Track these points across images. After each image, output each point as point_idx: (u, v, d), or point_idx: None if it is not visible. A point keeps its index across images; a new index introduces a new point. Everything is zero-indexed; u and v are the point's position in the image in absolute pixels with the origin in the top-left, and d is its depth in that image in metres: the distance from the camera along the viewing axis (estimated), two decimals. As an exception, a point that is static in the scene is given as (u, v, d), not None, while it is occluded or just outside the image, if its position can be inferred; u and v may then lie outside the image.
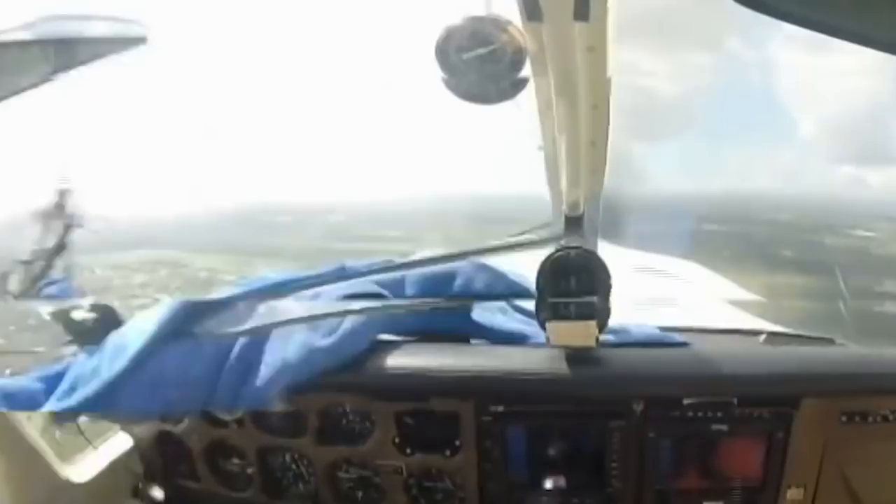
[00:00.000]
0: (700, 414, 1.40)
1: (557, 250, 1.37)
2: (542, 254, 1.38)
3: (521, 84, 0.81)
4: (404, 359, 1.51)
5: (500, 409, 1.46)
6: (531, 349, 1.50)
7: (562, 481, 1.48)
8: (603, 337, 1.45)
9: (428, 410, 1.52)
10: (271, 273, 1.78)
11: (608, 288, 1.35)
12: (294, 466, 1.70)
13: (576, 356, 1.43)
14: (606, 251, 1.53)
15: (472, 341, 1.72)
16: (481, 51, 0.78)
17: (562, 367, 1.42)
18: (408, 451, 1.55)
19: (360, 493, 1.65)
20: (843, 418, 1.38)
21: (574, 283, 1.35)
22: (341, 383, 1.51)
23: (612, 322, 1.43)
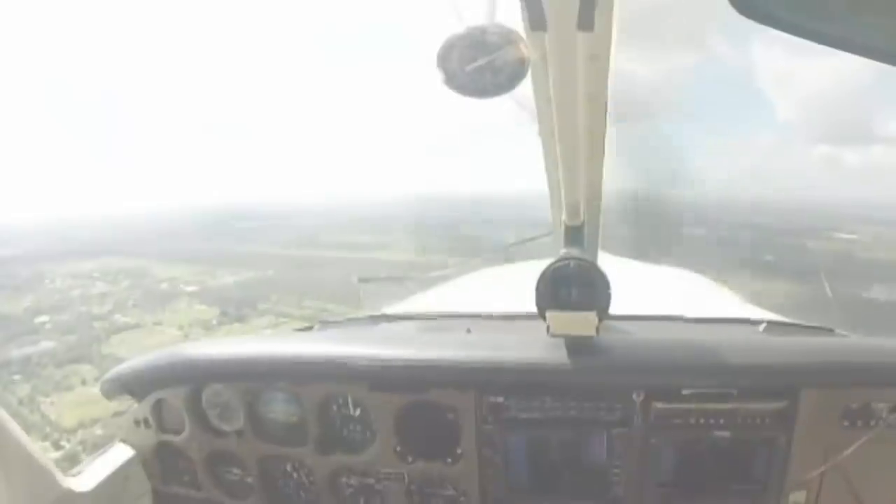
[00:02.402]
0: (701, 418, 1.37)
1: (558, 260, 1.35)
2: (541, 264, 1.36)
3: (518, 77, 0.77)
4: (403, 349, 1.48)
5: (500, 399, 1.43)
6: (530, 339, 1.45)
7: (563, 487, 1.47)
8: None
9: (429, 414, 1.49)
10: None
11: (607, 298, 1.34)
12: (295, 475, 1.67)
13: (575, 346, 1.40)
14: (606, 261, 1.51)
15: (472, 332, 1.70)
16: (482, 61, 0.74)
17: (561, 357, 1.38)
18: (409, 458, 1.53)
19: (361, 501, 1.62)
20: (845, 422, 1.36)
21: (574, 293, 1.34)
22: (341, 373, 1.49)
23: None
